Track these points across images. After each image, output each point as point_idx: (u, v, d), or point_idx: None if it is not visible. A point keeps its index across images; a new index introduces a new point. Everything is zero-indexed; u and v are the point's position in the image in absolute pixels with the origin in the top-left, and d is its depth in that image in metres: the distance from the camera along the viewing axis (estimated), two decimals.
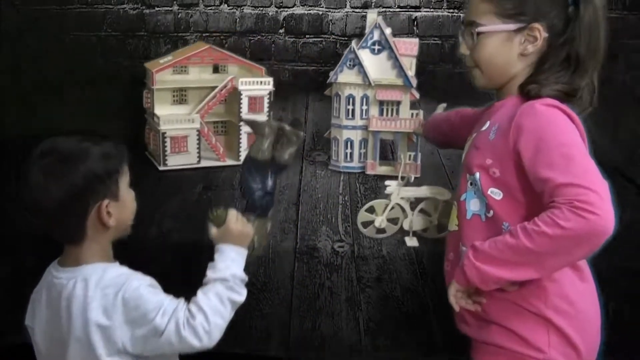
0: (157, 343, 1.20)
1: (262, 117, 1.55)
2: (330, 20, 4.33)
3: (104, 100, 3.67)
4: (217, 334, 1.23)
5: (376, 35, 2.69)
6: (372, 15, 2.70)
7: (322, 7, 4.32)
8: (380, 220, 2.18)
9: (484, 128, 1.46)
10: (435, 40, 4.34)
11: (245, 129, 2.81)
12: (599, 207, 1.21)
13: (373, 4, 4.31)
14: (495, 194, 1.39)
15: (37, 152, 1.23)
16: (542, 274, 1.32)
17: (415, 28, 4.35)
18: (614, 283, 1.85)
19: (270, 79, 2.84)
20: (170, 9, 4.30)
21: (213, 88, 2.82)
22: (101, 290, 1.20)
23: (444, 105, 2.24)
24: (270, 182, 1.57)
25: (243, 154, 2.82)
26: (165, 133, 2.72)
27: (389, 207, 2.16)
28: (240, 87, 2.78)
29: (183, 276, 1.94)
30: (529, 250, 1.26)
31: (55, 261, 1.29)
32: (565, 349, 1.39)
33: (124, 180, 1.28)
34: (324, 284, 2.08)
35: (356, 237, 2.34)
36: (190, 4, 4.30)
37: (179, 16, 4.31)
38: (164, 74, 2.81)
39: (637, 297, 1.99)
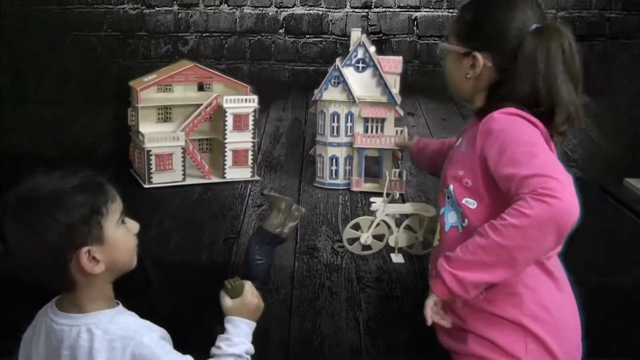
0: None
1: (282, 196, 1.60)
2: (330, 20, 4.34)
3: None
4: None
5: (360, 53, 2.69)
6: (356, 33, 2.71)
7: (322, 7, 4.32)
8: (365, 237, 2.18)
9: (457, 144, 1.54)
10: (435, 41, 4.34)
11: (230, 147, 2.81)
12: (560, 192, 1.24)
13: (373, 3, 4.32)
14: (470, 203, 1.43)
15: (11, 199, 1.15)
16: (517, 268, 1.32)
17: (415, 28, 4.35)
18: (599, 298, 1.86)
19: (255, 97, 2.83)
20: (170, 9, 4.30)
21: (198, 106, 2.81)
22: (108, 342, 1.15)
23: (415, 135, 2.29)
24: (272, 255, 1.58)
25: (228, 172, 2.83)
26: (150, 151, 2.71)
27: (374, 224, 2.17)
28: (225, 105, 2.78)
29: (172, 296, 1.95)
30: (500, 245, 1.27)
31: (52, 302, 1.23)
32: (543, 356, 1.39)
33: (111, 220, 1.19)
34: (324, 284, 2.08)
35: None
36: (190, 4, 4.30)
37: (179, 16, 4.31)
38: (148, 92, 2.80)
39: (622, 312, 1.98)
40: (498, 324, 1.40)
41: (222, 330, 1.34)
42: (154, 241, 2.28)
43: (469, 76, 1.50)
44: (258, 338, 1.79)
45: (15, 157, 2.93)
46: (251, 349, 1.31)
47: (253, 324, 1.35)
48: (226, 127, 2.80)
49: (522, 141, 1.34)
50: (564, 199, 1.23)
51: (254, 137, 2.86)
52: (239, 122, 2.81)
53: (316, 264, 2.20)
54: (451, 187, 1.47)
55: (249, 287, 1.37)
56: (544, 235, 1.26)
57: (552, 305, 1.41)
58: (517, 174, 1.29)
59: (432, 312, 1.41)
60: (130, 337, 1.15)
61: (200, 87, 2.93)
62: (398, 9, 4.34)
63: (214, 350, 1.29)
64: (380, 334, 1.86)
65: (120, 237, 1.20)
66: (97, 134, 3.38)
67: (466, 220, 1.44)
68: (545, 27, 1.42)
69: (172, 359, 1.18)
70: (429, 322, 1.41)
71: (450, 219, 1.48)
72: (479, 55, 1.47)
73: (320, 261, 2.21)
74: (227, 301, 1.35)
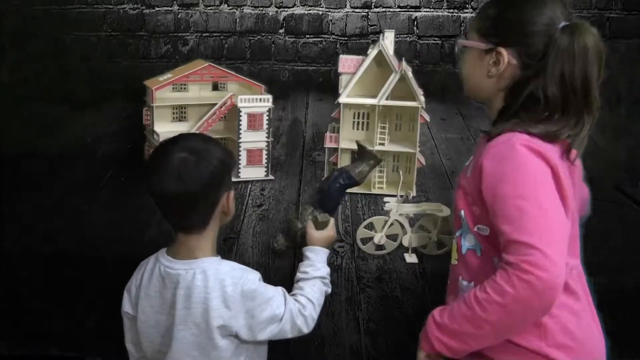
0: (270, 330, 1.37)
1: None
2: (330, 20, 4.34)
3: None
4: (315, 321, 1.42)
5: None
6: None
7: (322, 7, 4.32)
8: (379, 237, 2.18)
9: (466, 164, 1.45)
10: (435, 40, 4.35)
11: (244, 146, 2.82)
12: (543, 268, 1.21)
13: (373, 4, 4.32)
14: (482, 229, 1.38)
15: (175, 145, 1.34)
16: (504, 337, 1.32)
17: (415, 28, 4.35)
18: (615, 300, 1.85)
19: (269, 97, 2.84)
20: (170, 9, 4.30)
21: (212, 105, 2.83)
22: (220, 282, 1.33)
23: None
24: (344, 192, 1.78)
25: (242, 171, 2.84)
26: None
27: (388, 224, 2.16)
28: (240, 105, 2.79)
29: None
30: (485, 320, 1.27)
31: (162, 253, 1.39)
32: None
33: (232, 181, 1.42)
34: None
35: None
36: (190, 4, 4.30)
37: (179, 16, 4.31)
38: (163, 92, 2.82)
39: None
40: (522, 354, 1.38)
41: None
42: (153, 241, 2.28)
43: (491, 74, 1.39)
44: None
45: (15, 156, 2.93)
46: (329, 270, 1.50)
47: (329, 251, 1.55)
48: (240, 127, 2.81)
49: (516, 193, 1.28)
50: (546, 276, 1.21)
51: (268, 137, 2.87)
52: (254, 121, 2.82)
53: None
54: (462, 212, 1.42)
55: (332, 222, 1.55)
56: (527, 311, 1.26)
57: (576, 328, 1.37)
58: (506, 233, 1.26)
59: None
60: (239, 276, 1.34)
61: (215, 87, 2.95)
62: (398, 9, 4.34)
63: (300, 275, 1.48)
64: (380, 334, 1.86)
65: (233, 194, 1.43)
66: (106, 133, 3.37)
67: (481, 246, 1.41)
68: (579, 24, 1.34)
69: (270, 290, 1.37)
70: None
71: (467, 242, 1.42)
72: (503, 51, 1.37)
73: None
74: (313, 232, 1.54)
